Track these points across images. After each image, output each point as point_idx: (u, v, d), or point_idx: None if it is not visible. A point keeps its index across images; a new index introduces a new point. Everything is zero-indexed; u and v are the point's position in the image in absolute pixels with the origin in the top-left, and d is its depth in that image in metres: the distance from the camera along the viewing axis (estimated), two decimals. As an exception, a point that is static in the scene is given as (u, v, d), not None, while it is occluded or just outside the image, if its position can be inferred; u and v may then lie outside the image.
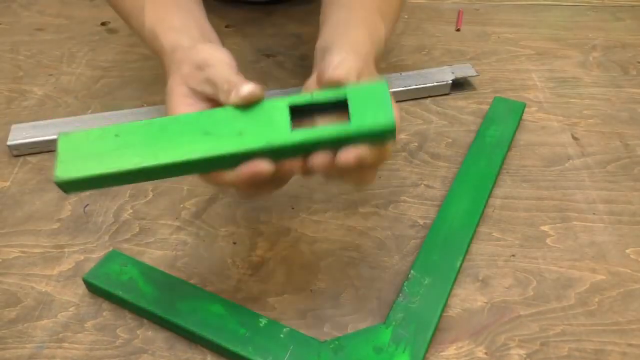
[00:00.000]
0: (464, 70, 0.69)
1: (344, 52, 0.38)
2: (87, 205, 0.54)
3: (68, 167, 0.33)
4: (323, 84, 0.36)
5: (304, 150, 0.34)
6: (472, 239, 0.49)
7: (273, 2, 0.85)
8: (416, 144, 0.61)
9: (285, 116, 0.34)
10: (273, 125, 0.34)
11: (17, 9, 0.87)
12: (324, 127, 0.33)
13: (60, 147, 0.34)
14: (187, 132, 0.34)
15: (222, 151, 0.33)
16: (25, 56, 0.76)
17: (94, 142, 0.34)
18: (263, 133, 0.34)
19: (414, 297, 0.44)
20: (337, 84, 0.35)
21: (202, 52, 0.39)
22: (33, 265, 0.48)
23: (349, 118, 0.33)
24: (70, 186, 0.34)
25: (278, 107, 0.34)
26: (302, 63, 0.73)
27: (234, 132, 0.34)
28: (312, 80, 0.41)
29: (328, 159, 0.34)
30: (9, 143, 0.59)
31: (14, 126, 0.60)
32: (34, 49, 0.77)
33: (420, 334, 0.41)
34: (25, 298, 0.46)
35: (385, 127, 0.33)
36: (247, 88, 0.34)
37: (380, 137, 0.34)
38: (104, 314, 0.44)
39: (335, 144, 0.33)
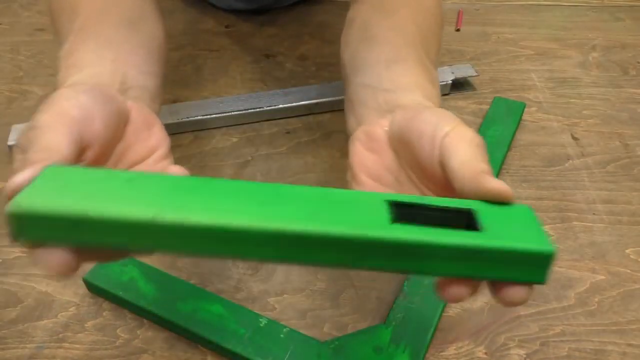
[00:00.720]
0: (464, 70, 0.69)
1: (454, 124, 0.29)
2: (88, 205, 0.54)
3: (38, 197, 0.22)
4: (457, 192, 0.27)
5: (405, 256, 0.23)
6: None
7: (272, 8, 0.84)
8: (416, 144, 0.61)
9: (381, 207, 0.25)
10: (363, 213, 0.24)
11: (18, 9, 0.87)
12: (441, 230, 0.23)
13: (40, 178, 0.24)
14: (233, 197, 0.24)
15: (289, 227, 0.23)
16: (26, 56, 0.76)
17: (94, 182, 0.24)
18: (347, 218, 0.24)
19: (414, 297, 0.44)
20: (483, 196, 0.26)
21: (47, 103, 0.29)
22: (33, 266, 0.48)
23: (477, 229, 0.24)
24: (28, 225, 0.22)
25: (371, 199, 0.25)
26: (301, 63, 0.73)
27: (305, 209, 0.24)
28: (374, 130, 0.34)
29: (471, 290, 0.25)
30: (9, 143, 0.59)
31: (14, 126, 0.60)
32: (34, 49, 0.77)
33: (420, 334, 0.41)
34: (25, 298, 0.46)
35: (540, 251, 0.23)
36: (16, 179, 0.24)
37: (524, 265, 0.24)
38: (104, 314, 0.45)
39: (452, 256, 0.23)
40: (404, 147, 0.32)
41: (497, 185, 0.26)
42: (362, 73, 0.39)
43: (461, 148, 0.28)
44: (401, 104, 0.34)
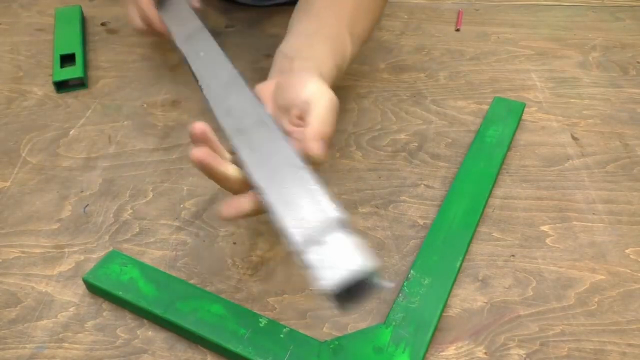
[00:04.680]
0: None
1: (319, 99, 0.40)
2: (87, 205, 0.54)
3: None
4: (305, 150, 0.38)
5: None
6: (472, 239, 0.49)
7: (274, 4, 0.85)
8: (416, 144, 0.61)
9: None
10: None
11: (17, 9, 0.87)
12: None
13: None
14: None
15: None
16: (26, 56, 0.76)
17: None
18: None
19: (414, 297, 0.44)
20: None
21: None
22: (33, 266, 0.48)
23: None
24: None
25: None
26: (302, 63, 0.73)
27: None
28: (266, 87, 0.44)
29: None
30: None
31: None
32: (34, 49, 0.77)
33: (420, 334, 0.41)
34: (25, 298, 0.46)
35: None
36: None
37: None
38: (104, 314, 0.45)
39: None
40: (279, 97, 0.43)
41: (314, 149, 0.38)
42: (286, 41, 0.49)
43: (318, 108, 0.39)
44: (292, 68, 0.44)
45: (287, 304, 0.45)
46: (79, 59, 0.71)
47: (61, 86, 0.69)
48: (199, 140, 0.37)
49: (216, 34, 0.78)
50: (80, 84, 0.69)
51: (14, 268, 0.48)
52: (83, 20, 0.82)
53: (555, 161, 0.59)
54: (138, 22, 0.60)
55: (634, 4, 0.88)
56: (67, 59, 0.72)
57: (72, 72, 0.69)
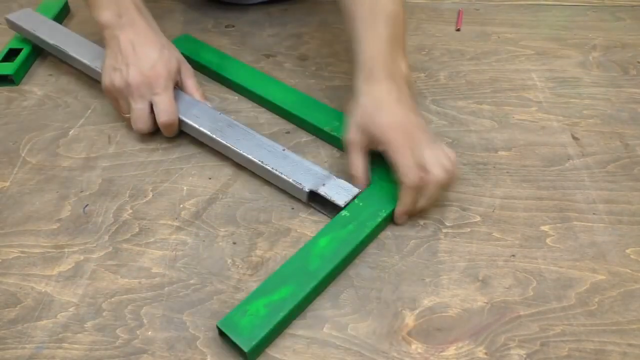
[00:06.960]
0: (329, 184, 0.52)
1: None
2: (87, 205, 0.54)
3: None
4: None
5: None
6: None
7: (273, 2, 0.85)
8: (416, 144, 0.61)
9: None
10: None
11: (17, 10, 0.87)
12: None
13: None
14: None
15: None
16: (25, 56, 0.76)
17: None
18: None
19: None
20: None
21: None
22: (33, 266, 0.48)
23: None
24: None
25: None
26: (301, 63, 0.73)
27: None
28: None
29: None
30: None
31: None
32: (33, 49, 0.77)
33: None
34: (25, 298, 0.46)
35: None
36: None
37: None
38: (104, 314, 0.44)
39: None
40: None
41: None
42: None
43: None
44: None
45: (287, 304, 0.45)
46: (22, 55, 0.70)
47: None
48: None
49: (216, 34, 0.79)
50: (10, 80, 0.68)
51: (13, 268, 0.48)
52: (65, 14, 0.81)
53: (555, 161, 0.59)
54: (148, 123, 0.59)
55: (634, 3, 0.88)
56: (15, 53, 0.71)
57: (5, 68, 0.68)
